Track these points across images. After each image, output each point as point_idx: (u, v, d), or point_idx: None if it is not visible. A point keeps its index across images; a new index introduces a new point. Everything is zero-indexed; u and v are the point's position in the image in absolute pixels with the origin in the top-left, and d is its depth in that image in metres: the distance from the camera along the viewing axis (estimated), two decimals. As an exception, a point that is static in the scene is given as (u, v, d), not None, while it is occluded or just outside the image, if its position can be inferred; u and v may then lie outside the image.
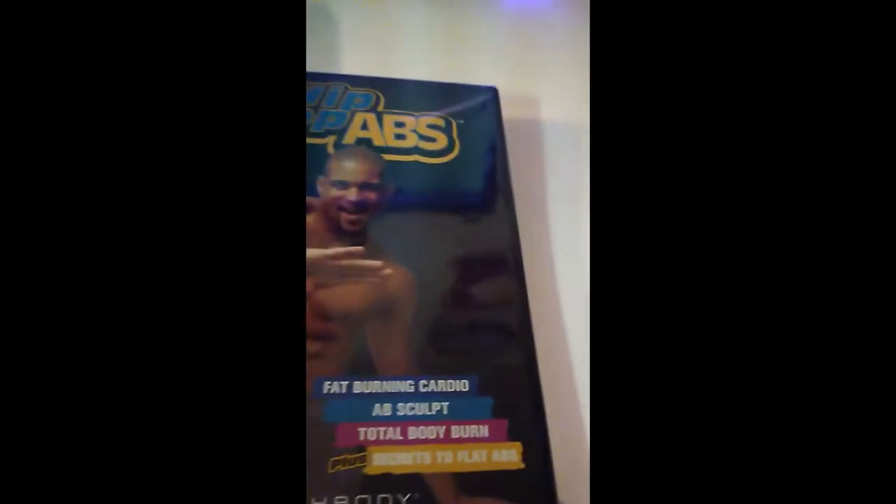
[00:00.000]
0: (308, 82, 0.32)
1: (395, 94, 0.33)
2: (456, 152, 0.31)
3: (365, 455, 0.21)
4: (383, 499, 0.20)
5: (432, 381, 0.23)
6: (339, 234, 0.27)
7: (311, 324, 0.23)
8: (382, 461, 0.20)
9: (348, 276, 0.25)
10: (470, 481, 0.21)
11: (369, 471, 0.20)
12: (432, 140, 0.31)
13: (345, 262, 0.25)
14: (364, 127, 0.31)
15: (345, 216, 0.27)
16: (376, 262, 0.26)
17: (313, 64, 0.36)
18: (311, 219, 0.27)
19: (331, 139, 0.30)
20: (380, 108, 0.32)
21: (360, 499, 0.20)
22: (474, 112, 0.33)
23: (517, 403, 0.23)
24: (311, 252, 0.25)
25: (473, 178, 0.30)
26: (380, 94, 0.32)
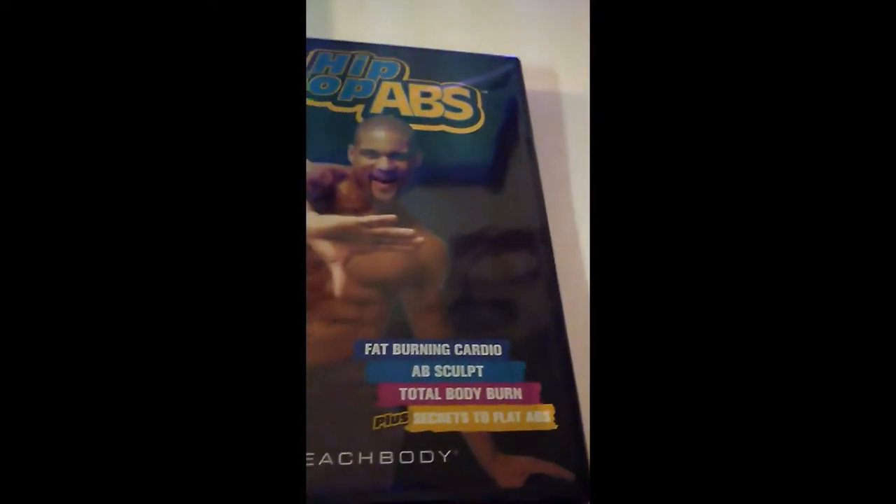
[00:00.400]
0: (334, 50, 0.32)
1: (421, 63, 0.33)
2: (481, 123, 0.31)
3: (406, 414, 0.21)
4: (425, 455, 0.21)
5: (467, 345, 0.23)
6: (372, 202, 0.27)
7: (349, 289, 0.24)
8: (423, 420, 0.21)
9: (382, 243, 0.26)
10: (506, 440, 0.22)
11: (411, 429, 0.21)
12: (458, 110, 0.31)
13: (378, 229, 0.26)
14: (391, 96, 0.31)
15: (376, 185, 0.28)
16: (408, 230, 0.26)
17: (338, 32, 0.36)
18: (343, 187, 0.27)
19: (359, 108, 0.30)
20: (405, 78, 0.32)
21: (404, 454, 0.21)
22: (498, 82, 0.33)
23: (548, 368, 0.23)
24: (346, 219, 0.26)
25: (499, 148, 0.31)
26: (405, 64, 0.33)
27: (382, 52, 0.33)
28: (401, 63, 0.33)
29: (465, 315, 0.24)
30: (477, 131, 0.31)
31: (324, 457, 0.20)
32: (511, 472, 0.21)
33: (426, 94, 0.32)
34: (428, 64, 0.33)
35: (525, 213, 0.28)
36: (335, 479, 0.20)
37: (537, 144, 0.32)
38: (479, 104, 0.32)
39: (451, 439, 0.21)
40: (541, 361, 0.24)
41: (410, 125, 0.30)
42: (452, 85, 0.32)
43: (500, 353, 0.23)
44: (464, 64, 0.34)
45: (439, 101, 0.31)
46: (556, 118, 0.36)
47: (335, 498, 0.20)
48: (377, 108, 0.31)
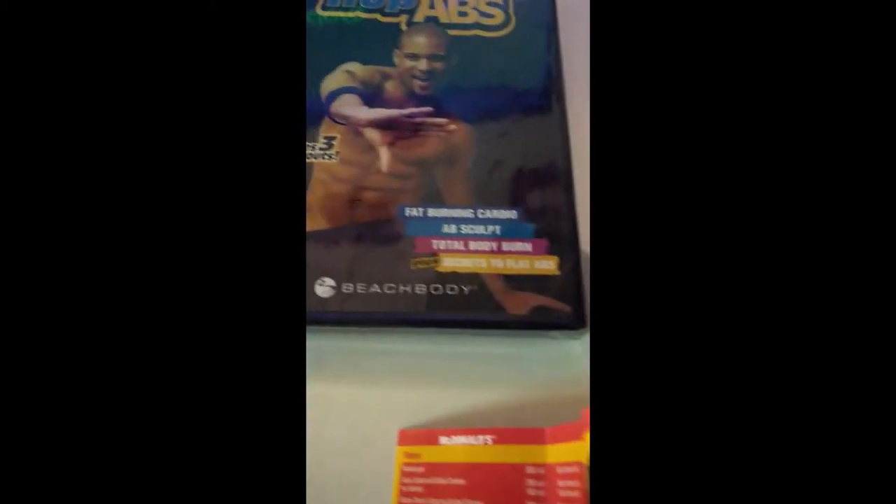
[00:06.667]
0: (381, -34, 0.37)
1: (459, -26, 0.37)
2: (512, 27, 0.35)
3: (437, 258, 0.27)
4: (451, 288, 0.26)
5: (487, 210, 0.29)
6: (413, 97, 0.32)
7: (394, 167, 0.30)
8: (450, 263, 0.27)
9: (421, 130, 0.31)
10: (516, 280, 0.27)
11: (440, 269, 0.27)
12: (491, 16, 0.35)
13: (418, 119, 0.31)
14: (431, 6, 0.35)
15: (417, 83, 0.32)
16: (442, 119, 0.31)
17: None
18: (389, 85, 0.32)
19: (403, 17, 0.35)
20: (445, -11, 0.36)
21: (434, 287, 0.26)
22: (529, -11, 0.36)
23: (556, 229, 0.28)
24: (391, 112, 0.31)
25: (527, 50, 0.34)
26: (445, -24, 0.36)
27: (425, -34, 0.37)
28: (441, -25, 0.37)
29: (487, 188, 0.29)
30: (507, 35, 0.35)
31: (373, 286, 0.26)
32: (519, 303, 0.26)
33: (463, 3, 0.36)
34: (466, -25, 0.37)
35: (543, 103, 0.32)
36: (382, 302, 0.26)
37: (564, 42, 0.35)
38: (511, 9, 0.35)
39: (472, 278, 0.27)
40: (551, 224, 0.28)
41: (448, 31, 0.34)
42: (487, -7, 0.36)
43: (514, 217, 0.28)
44: (498, -27, 0.37)
45: (474, 8, 0.35)
46: (583, 19, 0.39)
47: (382, 315, 0.26)
48: (419, 17, 0.35)
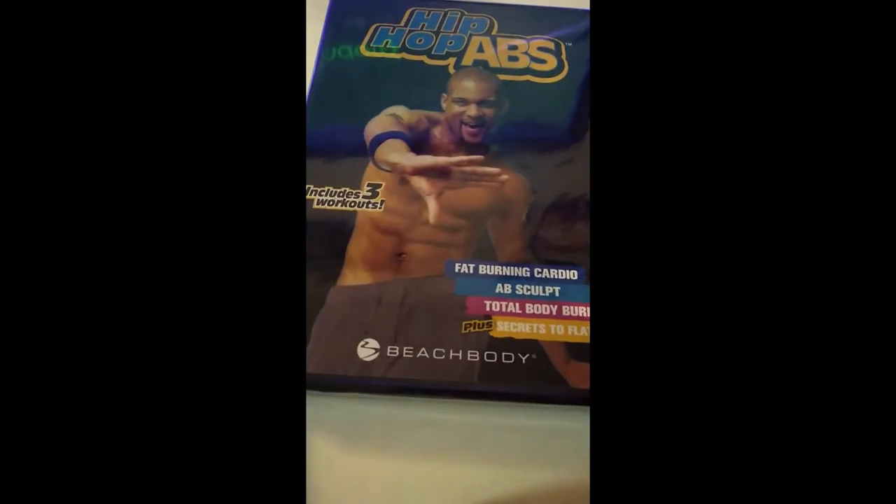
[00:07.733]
0: (428, 8, 0.35)
1: (508, 18, 0.35)
2: (565, 73, 0.33)
3: (491, 322, 0.25)
4: (507, 356, 0.24)
5: (545, 269, 0.26)
6: (462, 144, 0.30)
7: (442, 218, 0.28)
8: (505, 328, 0.25)
9: (471, 180, 0.29)
10: (578, 349, 0.24)
11: (495, 334, 0.25)
12: (543, 62, 0.34)
13: (467, 168, 0.29)
14: (480, 49, 0.34)
15: (466, 129, 0.31)
16: (494, 169, 0.29)
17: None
18: (437, 131, 0.31)
19: (451, 60, 0.33)
20: (494, 32, 0.35)
21: (489, 354, 0.24)
22: (582, 35, 0.35)
23: (619, 291, 0.26)
24: (438, 159, 0.29)
25: (580, 97, 0.33)
26: (494, 19, 0.35)
27: (473, 9, 0.36)
28: (490, 18, 0.35)
29: (543, 243, 0.27)
30: (560, 81, 0.33)
31: (421, 351, 0.24)
32: (582, 376, 0.24)
33: (513, 48, 0.34)
34: (515, 18, 0.35)
35: (603, 155, 0.30)
36: (430, 369, 0.24)
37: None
38: (563, 56, 0.34)
39: (529, 345, 0.24)
40: (613, 286, 0.26)
41: (498, 75, 0.33)
42: (538, 38, 0.35)
43: (575, 278, 0.26)
44: (549, 17, 0.36)
45: (525, 53, 0.34)
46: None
47: (430, 385, 0.24)
48: (468, 60, 0.33)
